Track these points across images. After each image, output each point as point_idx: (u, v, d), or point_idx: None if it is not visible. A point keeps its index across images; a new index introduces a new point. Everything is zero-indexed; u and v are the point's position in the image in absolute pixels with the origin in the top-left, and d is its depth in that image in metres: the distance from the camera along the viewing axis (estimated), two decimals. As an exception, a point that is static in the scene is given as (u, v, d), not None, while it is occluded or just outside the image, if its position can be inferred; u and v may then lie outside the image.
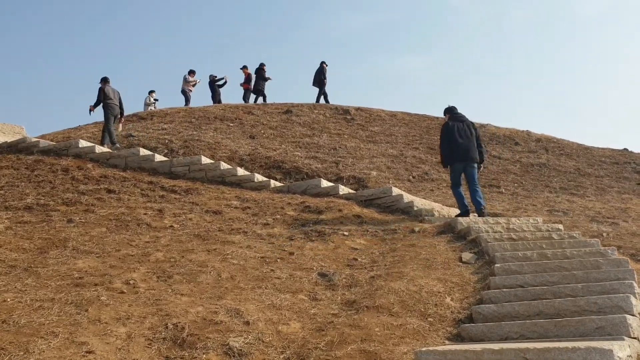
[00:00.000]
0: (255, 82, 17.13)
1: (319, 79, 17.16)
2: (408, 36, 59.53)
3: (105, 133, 10.61)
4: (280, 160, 11.08)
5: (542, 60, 57.29)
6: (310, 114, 15.53)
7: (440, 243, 6.33)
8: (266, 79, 17.22)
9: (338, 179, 10.49)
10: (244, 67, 17.63)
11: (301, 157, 11.57)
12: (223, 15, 59.68)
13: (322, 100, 17.16)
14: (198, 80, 17.72)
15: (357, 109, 16.98)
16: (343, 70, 54.00)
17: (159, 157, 9.61)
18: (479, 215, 7.51)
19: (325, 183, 8.86)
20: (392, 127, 15.25)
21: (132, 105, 51.44)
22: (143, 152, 9.62)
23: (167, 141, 11.46)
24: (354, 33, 58.76)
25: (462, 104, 53.01)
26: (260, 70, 17.22)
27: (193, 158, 9.46)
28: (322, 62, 17.35)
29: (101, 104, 10.56)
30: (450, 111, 7.91)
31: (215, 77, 18.05)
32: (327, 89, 17.18)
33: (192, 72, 17.65)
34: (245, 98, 17.27)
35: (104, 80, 10.74)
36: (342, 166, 11.28)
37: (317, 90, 17.25)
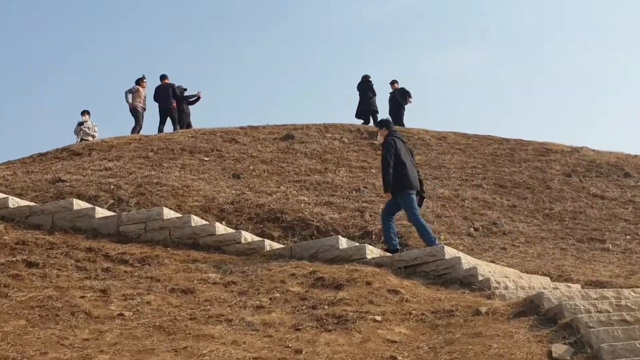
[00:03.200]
0: (361, 99, 18.97)
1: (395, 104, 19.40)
2: (458, 23, 60.14)
3: None
4: (278, 210, 11.15)
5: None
6: (320, 139, 15.68)
7: (518, 330, 6.32)
8: (374, 94, 19.15)
9: (364, 236, 10.54)
10: (164, 77, 18.15)
11: (309, 203, 11.65)
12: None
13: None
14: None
15: (390, 129, 17.09)
16: (366, 71, 54.37)
17: (101, 212, 9.69)
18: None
19: (344, 242, 8.91)
20: (441, 155, 15.31)
21: (60, 133, 52.08)
22: (78, 204, 9.73)
23: (112, 187, 11.56)
24: (382, 22, 59.45)
25: (532, 116, 53.05)
26: (365, 83, 19.16)
27: (151, 211, 9.54)
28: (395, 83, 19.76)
29: None
30: (389, 126, 9.80)
31: (184, 89, 18.34)
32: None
33: (141, 80, 17.96)
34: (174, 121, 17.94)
35: None
36: (370, 215, 11.34)
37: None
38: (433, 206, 12.18)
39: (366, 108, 18.97)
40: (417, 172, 9.50)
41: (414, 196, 9.25)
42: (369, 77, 19.34)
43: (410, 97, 19.37)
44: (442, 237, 10.76)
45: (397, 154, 9.25)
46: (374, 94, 19.26)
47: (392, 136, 9.55)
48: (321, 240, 9.11)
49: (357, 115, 19.09)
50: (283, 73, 60.16)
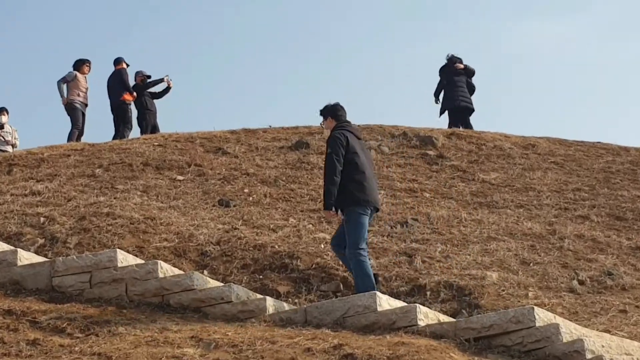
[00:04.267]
0: (448, 89, 19.61)
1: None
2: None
3: None
4: (286, 253, 11.23)
5: None
6: (349, 148, 15.72)
7: None
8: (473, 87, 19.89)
9: (414, 292, 10.54)
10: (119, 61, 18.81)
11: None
12: None
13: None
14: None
15: (451, 133, 17.24)
16: (417, 49, 54.64)
17: (26, 256, 9.86)
18: None
19: (386, 302, 8.95)
20: (527, 172, 15.44)
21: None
22: (-8, 246, 9.87)
23: (43, 220, 11.74)
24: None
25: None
26: (453, 66, 19.77)
27: (100, 256, 9.65)
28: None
29: None
30: (337, 115, 10.03)
31: (147, 77, 18.88)
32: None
33: (83, 64, 18.32)
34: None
35: None
36: (422, 261, 11.34)
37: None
38: (517, 247, 12.13)
39: (455, 104, 19.35)
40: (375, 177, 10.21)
41: (367, 219, 9.72)
42: (454, 57, 19.83)
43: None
44: (530, 293, 10.67)
45: (348, 155, 9.53)
46: (473, 87, 19.74)
47: (342, 129, 9.79)
48: (350, 298, 9.10)
49: (442, 112, 19.67)
50: (294, 53, 60.58)
